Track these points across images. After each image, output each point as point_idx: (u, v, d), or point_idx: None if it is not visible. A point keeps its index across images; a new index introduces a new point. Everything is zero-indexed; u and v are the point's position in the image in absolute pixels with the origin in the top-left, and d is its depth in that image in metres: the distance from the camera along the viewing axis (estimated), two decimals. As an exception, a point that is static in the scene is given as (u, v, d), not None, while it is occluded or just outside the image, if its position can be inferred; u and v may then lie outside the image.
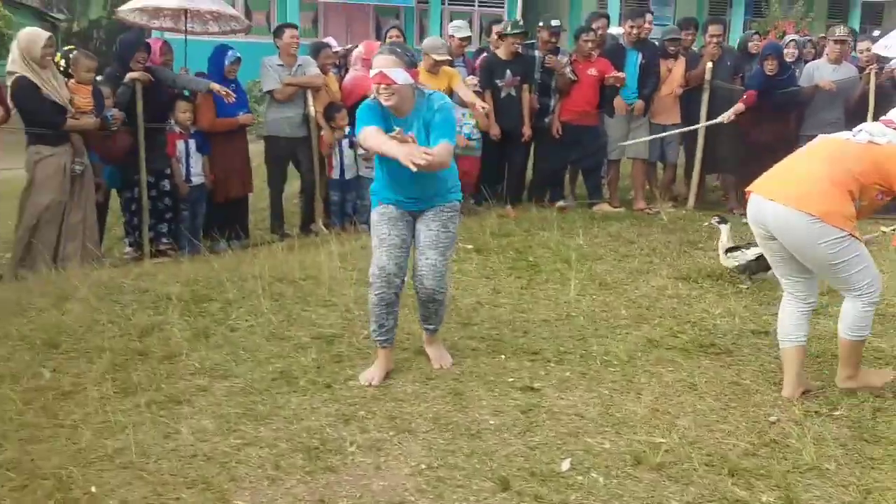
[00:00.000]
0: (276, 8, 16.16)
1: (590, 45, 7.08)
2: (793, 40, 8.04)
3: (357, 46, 7.29)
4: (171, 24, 8.32)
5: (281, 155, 6.85)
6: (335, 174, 6.90)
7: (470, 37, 7.23)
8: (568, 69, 6.98)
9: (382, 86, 3.30)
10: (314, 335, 4.06)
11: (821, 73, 7.31)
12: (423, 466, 2.85)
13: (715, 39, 7.36)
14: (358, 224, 6.67)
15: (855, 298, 3.26)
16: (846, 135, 3.37)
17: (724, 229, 5.14)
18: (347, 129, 6.76)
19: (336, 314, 4.36)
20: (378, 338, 3.54)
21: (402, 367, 3.67)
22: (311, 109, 6.68)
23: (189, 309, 4.40)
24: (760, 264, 4.68)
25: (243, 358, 3.76)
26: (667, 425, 3.16)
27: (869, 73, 7.11)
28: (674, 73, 7.33)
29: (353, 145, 6.79)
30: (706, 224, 5.88)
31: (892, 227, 6.37)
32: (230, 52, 6.60)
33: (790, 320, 3.44)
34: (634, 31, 7.24)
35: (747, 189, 3.43)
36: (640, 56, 7.23)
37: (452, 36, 7.10)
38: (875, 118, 6.97)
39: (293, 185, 7.42)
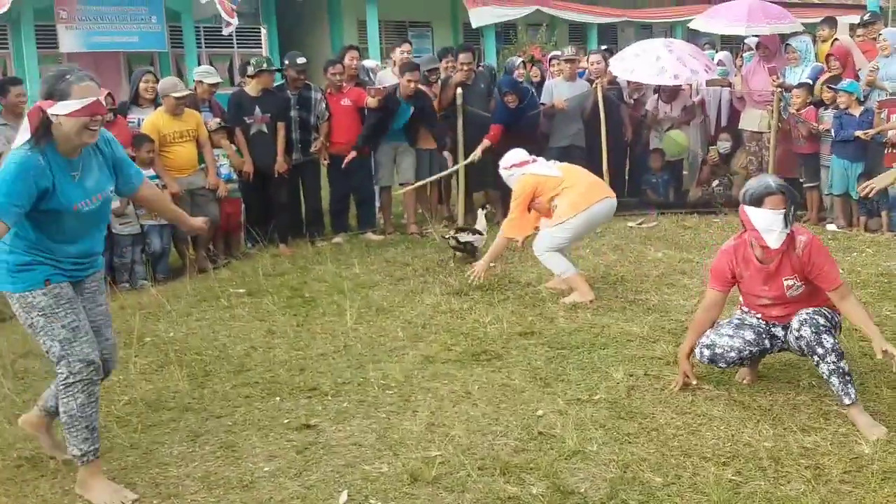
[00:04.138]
0: (12, 62, 14.67)
1: (338, 77, 7.21)
2: (522, 62, 8.60)
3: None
4: None
5: None
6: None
7: (219, 82, 7.07)
8: (322, 105, 7.06)
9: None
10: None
11: (559, 89, 7.91)
12: (192, 530, 2.67)
13: (465, 67, 7.72)
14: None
15: None
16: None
17: (481, 216, 6.55)
18: None
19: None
20: (92, 447, 2.87)
21: (168, 428, 3.44)
22: None
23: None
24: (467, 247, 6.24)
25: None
26: (442, 438, 3.20)
27: (596, 86, 7.81)
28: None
29: None
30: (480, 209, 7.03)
31: (639, 222, 7.15)
32: None
33: (566, 264, 5.24)
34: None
35: (596, 199, 5.16)
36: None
37: (200, 81, 6.87)
38: (606, 124, 7.74)
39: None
